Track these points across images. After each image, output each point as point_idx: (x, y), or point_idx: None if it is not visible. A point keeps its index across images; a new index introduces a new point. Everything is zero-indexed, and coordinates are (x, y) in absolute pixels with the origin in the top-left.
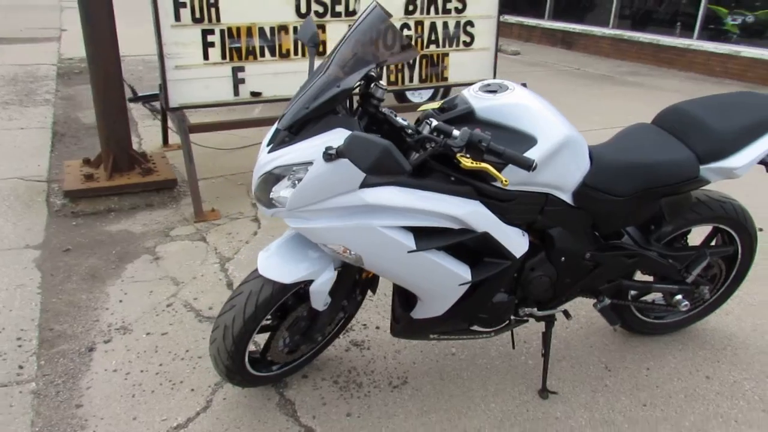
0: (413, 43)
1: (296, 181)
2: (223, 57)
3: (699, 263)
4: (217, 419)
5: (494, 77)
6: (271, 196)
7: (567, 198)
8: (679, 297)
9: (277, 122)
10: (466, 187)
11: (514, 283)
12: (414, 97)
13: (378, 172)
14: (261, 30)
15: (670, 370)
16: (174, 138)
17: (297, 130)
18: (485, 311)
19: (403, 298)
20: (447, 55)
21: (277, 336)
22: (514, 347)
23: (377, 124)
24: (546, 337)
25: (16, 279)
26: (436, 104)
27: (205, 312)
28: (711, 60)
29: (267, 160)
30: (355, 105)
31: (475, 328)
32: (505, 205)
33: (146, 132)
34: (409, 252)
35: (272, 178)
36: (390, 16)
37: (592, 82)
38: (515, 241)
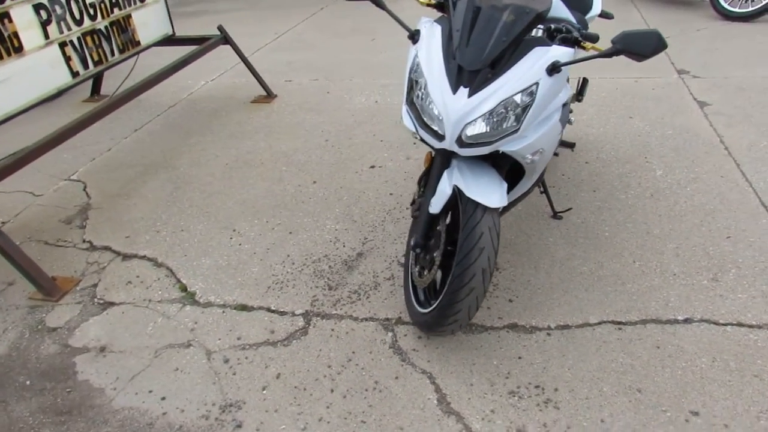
0: (97, 11)
1: (503, 111)
2: None
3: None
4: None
5: (172, 28)
6: (467, 137)
7: None
8: None
9: (443, 65)
10: None
11: None
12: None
13: (654, 54)
14: None
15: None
16: None
17: (493, 65)
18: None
19: None
20: (130, 16)
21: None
22: None
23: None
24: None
25: None
26: None
27: (273, 338)
28: None
29: (478, 101)
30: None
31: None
32: None
33: None
34: (556, 128)
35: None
36: None
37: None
38: None
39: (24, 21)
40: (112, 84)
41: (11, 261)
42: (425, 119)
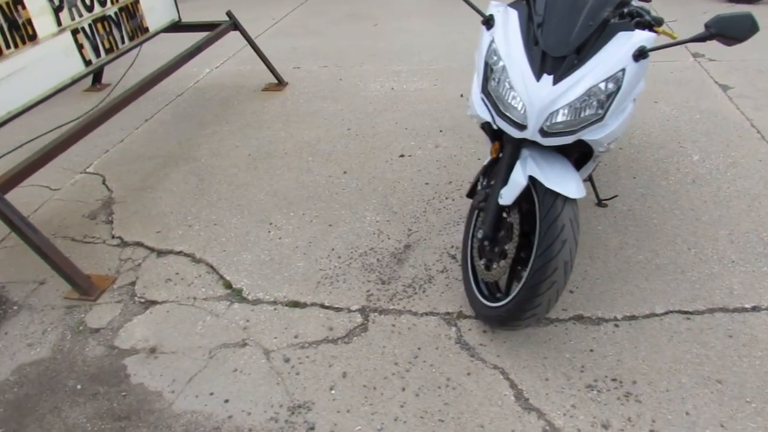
0: None
1: (588, 99)
2: None
3: None
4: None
5: (178, 14)
6: (551, 126)
7: None
8: None
9: (524, 51)
10: None
11: None
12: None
13: (749, 38)
14: None
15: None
16: None
17: (577, 50)
18: None
19: None
20: (138, 1)
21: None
22: None
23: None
24: None
25: None
26: None
27: (332, 335)
28: None
29: (564, 88)
30: None
31: None
32: None
33: None
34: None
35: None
36: None
37: None
38: None
39: (36, 7)
40: (113, 73)
41: (46, 259)
42: (502, 108)
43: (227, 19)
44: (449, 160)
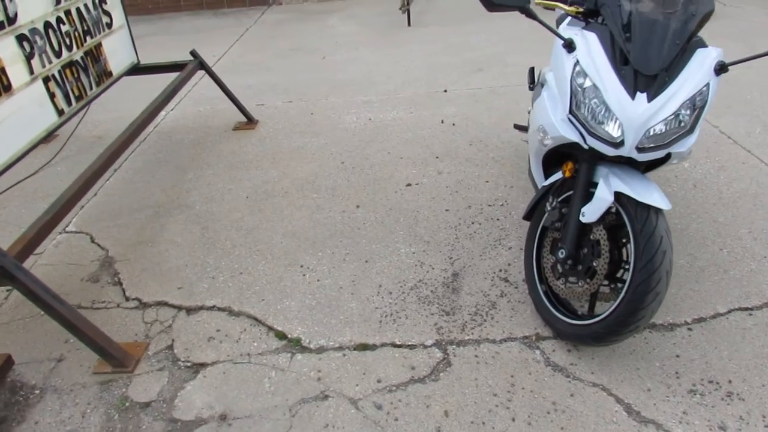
0: (72, 40)
1: (680, 113)
2: None
3: None
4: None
5: (137, 56)
6: (646, 141)
7: None
8: None
9: (614, 71)
10: None
11: None
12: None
13: None
14: None
15: None
16: None
17: (666, 68)
18: None
19: None
20: (101, 44)
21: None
22: None
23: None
24: None
25: None
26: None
27: (417, 374)
28: None
29: (659, 105)
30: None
31: None
32: None
33: None
34: None
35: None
36: None
37: None
38: None
39: (9, 54)
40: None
41: (75, 332)
42: (592, 127)
43: (192, 58)
44: (458, 185)
